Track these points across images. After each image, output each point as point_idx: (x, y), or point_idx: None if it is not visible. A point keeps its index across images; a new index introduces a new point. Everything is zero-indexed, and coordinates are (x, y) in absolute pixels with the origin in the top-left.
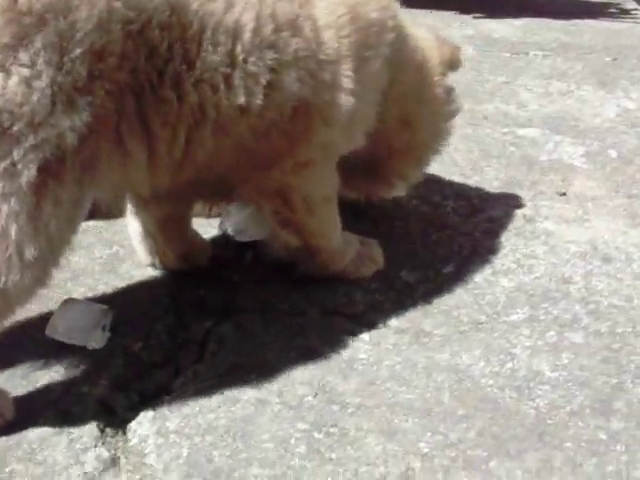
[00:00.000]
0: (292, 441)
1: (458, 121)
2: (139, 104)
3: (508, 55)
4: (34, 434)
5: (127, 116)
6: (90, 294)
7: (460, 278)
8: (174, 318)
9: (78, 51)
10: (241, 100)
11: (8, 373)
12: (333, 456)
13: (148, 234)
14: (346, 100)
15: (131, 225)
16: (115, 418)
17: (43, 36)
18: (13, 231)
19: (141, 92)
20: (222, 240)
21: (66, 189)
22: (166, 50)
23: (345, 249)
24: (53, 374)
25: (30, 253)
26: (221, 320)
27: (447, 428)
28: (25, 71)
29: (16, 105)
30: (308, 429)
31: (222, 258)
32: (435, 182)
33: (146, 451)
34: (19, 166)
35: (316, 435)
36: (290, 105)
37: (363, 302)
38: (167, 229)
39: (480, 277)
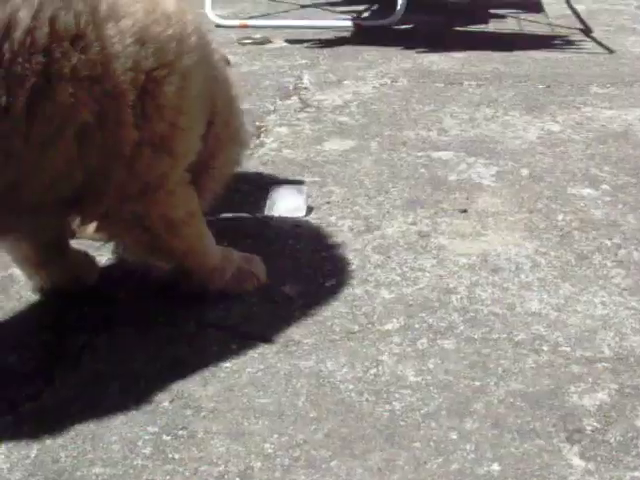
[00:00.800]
0: (139, 443)
1: (374, 147)
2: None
3: (442, 85)
4: None
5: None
6: None
7: (341, 291)
8: (52, 333)
9: None
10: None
11: None
12: (176, 456)
13: (26, 259)
14: None
15: (11, 252)
16: None
17: None
18: None
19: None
20: (113, 260)
21: None
22: None
23: (224, 265)
24: None
25: None
26: (99, 333)
27: (295, 430)
28: None
29: None
30: (157, 432)
31: (111, 277)
32: (334, 204)
33: None
34: None
35: (164, 437)
36: None
37: (240, 314)
38: (44, 253)
39: (361, 289)
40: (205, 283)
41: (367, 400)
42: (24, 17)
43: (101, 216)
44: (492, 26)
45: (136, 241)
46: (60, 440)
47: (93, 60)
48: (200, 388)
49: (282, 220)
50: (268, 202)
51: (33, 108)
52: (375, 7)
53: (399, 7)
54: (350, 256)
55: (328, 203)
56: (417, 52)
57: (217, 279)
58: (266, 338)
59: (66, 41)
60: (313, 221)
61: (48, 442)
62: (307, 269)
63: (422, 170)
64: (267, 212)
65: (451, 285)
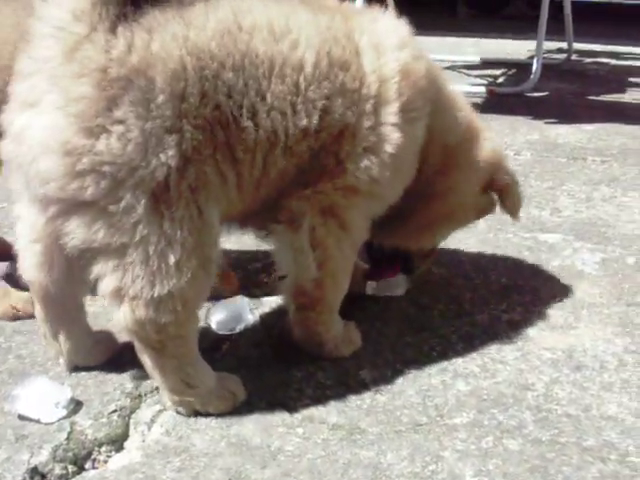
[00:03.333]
0: None
1: (482, 225)
2: (226, 134)
3: (564, 160)
4: None
5: (219, 145)
6: (51, 373)
7: (417, 380)
8: (130, 401)
9: (160, 99)
10: (303, 122)
11: None
12: None
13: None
14: (389, 131)
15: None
16: None
17: (131, 95)
18: (151, 249)
19: (227, 124)
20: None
21: (180, 209)
22: (242, 87)
23: (336, 319)
24: (4, 442)
25: (172, 261)
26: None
27: None
28: (120, 128)
29: (117, 157)
30: None
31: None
32: (431, 284)
33: None
34: (133, 201)
35: None
36: (337, 128)
37: (311, 396)
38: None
39: (437, 379)
40: (317, 324)
41: None
42: (309, 56)
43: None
44: (628, 96)
45: (312, 228)
46: None
47: (354, 76)
48: (258, 470)
49: (376, 296)
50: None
51: (320, 124)
52: (512, 71)
53: (533, 74)
54: (435, 342)
55: (425, 283)
56: (545, 123)
57: (329, 327)
58: (333, 424)
59: (336, 67)
60: (405, 301)
61: None
62: (388, 354)
63: (526, 253)
64: (368, 288)
65: (530, 381)
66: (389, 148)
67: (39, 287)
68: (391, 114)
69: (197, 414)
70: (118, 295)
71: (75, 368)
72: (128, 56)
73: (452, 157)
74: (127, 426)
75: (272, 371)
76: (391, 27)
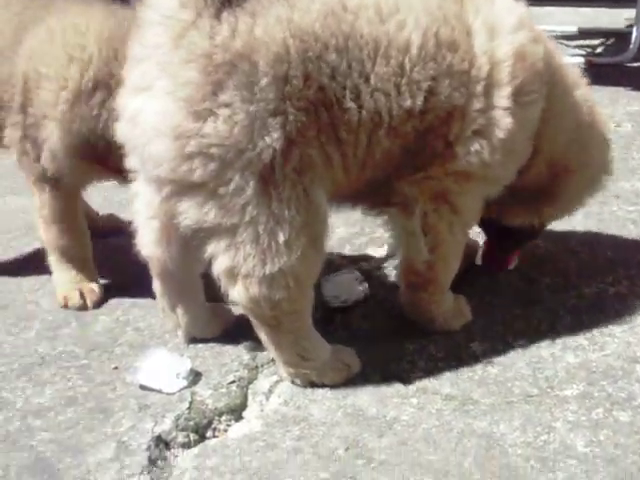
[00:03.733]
0: None
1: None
2: (330, 116)
3: None
4: (95, 459)
5: (323, 126)
6: (169, 345)
7: (527, 352)
8: (247, 372)
9: (264, 82)
10: (407, 103)
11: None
12: None
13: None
14: (500, 115)
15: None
16: (168, 452)
17: (235, 79)
18: (260, 229)
19: (330, 105)
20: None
21: (286, 189)
22: (346, 68)
23: (447, 296)
24: (128, 411)
25: (281, 240)
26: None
27: None
28: (226, 111)
29: (225, 139)
30: (328, 478)
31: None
32: (538, 258)
33: None
34: (242, 183)
35: None
36: (445, 110)
37: (424, 369)
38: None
39: (547, 352)
40: (429, 300)
41: (532, 467)
42: (416, 37)
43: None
44: None
45: (424, 212)
46: (239, 477)
47: (462, 57)
48: (375, 439)
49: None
50: None
51: (425, 105)
52: (611, 41)
53: (633, 44)
54: (543, 315)
55: (533, 256)
56: None
57: (440, 302)
58: (446, 395)
59: (444, 48)
60: (513, 275)
61: (227, 477)
62: (498, 326)
63: (631, 226)
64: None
65: (638, 354)
66: (500, 133)
67: (157, 262)
68: (503, 97)
69: (313, 385)
70: (232, 274)
71: (193, 340)
72: (232, 41)
73: (582, 135)
74: (245, 396)
75: (384, 343)
76: (508, 8)
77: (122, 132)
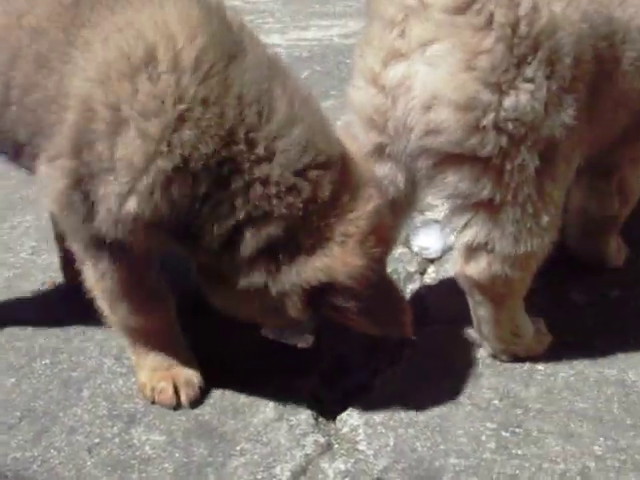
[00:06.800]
0: (483, 438)
1: None
2: (591, 97)
3: None
4: (258, 420)
5: (585, 105)
6: None
7: (626, 302)
8: None
9: (567, 61)
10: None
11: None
12: (519, 452)
13: None
14: None
15: None
16: (325, 409)
17: (540, 54)
18: (529, 208)
19: (592, 88)
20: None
21: (558, 168)
22: (611, 56)
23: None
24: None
25: (545, 221)
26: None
27: (617, 434)
28: (529, 86)
29: (523, 115)
30: (496, 428)
31: (407, 272)
32: None
33: (357, 439)
34: (527, 160)
35: (503, 434)
36: None
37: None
38: None
39: None
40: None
41: None
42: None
43: None
44: None
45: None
46: (411, 431)
47: None
48: (523, 389)
49: None
50: None
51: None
52: None
53: None
54: (629, 267)
55: None
56: None
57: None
58: (570, 344)
59: None
60: None
61: (400, 431)
62: (591, 278)
63: None
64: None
65: None
66: None
67: None
68: None
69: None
70: (477, 248)
71: None
72: (536, 14)
73: None
74: None
75: None
76: None
77: (364, 100)
